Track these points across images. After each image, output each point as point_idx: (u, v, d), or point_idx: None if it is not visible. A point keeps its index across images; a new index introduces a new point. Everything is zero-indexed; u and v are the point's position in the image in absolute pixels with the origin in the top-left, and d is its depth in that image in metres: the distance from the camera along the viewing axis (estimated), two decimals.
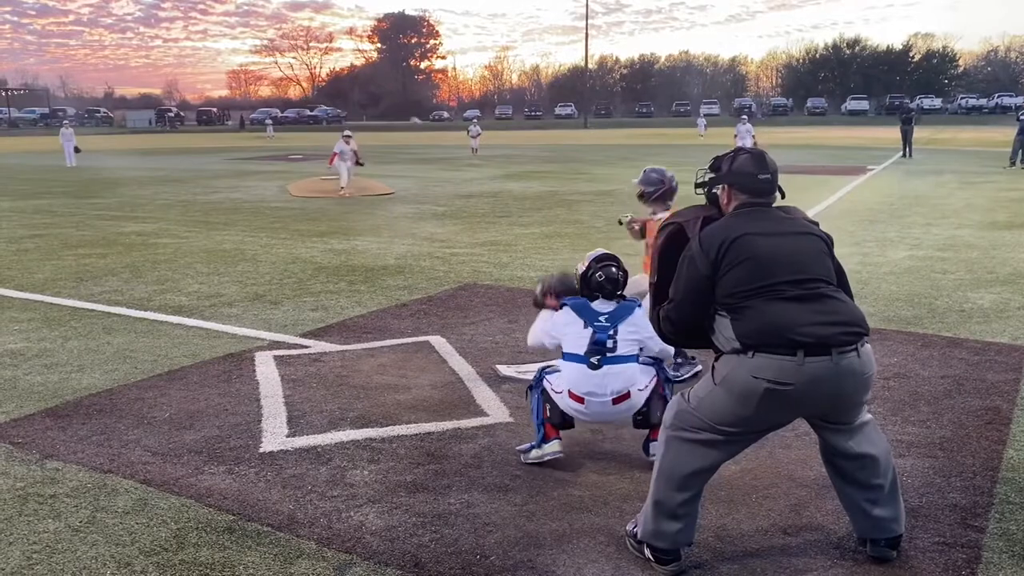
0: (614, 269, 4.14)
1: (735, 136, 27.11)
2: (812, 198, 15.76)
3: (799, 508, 3.62)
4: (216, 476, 3.97)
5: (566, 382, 4.02)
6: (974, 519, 3.48)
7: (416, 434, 4.49)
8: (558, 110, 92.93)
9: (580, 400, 3.97)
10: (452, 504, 3.68)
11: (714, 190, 3.20)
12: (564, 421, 4.11)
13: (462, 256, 10.15)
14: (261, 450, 4.29)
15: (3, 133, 71.67)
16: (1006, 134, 30.32)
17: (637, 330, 4.04)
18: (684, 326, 3.13)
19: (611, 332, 4.00)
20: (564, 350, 4.10)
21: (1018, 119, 24.58)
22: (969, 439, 4.36)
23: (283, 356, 5.91)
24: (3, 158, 35.37)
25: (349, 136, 18.84)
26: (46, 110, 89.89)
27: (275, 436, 4.47)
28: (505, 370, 5.53)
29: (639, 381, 4.05)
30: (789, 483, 3.85)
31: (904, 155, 28.10)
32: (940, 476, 3.91)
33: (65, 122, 35.14)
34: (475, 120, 45.66)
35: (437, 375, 5.50)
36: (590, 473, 4.00)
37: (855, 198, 16.48)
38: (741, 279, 2.91)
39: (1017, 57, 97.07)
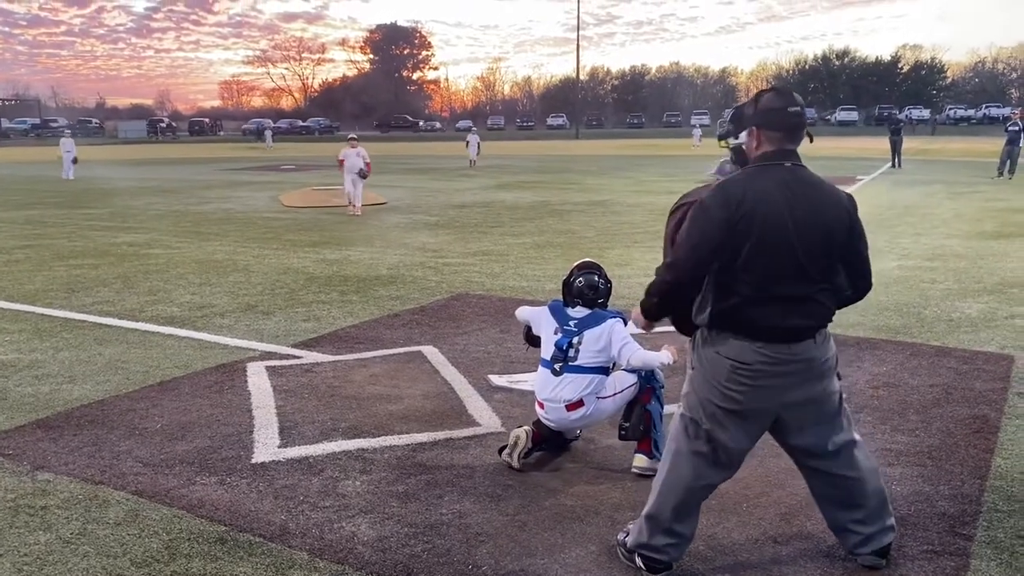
0: (595, 277, 4.24)
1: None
2: None
3: (789, 517, 3.64)
4: (208, 487, 3.97)
5: (536, 388, 4.22)
6: (962, 527, 3.51)
7: (408, 444, 4.50)
8: (550, 121, 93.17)
9: (542, 406, 4.16)
10: (444, 514, 3.69)
11: (738, 140, 3.05)
12: (549, 432, 4.20)
13: (454, 266, 10.17)
14: (253, 461, 4.29)
15: None
16: (994, 144, 30.56)
17: (605, 341, 4.07)
18: (678, 284, 2.93)
19: (574, 340, 4.10)
20: (541, 355, 4.22)
21: (1006, 130, 24.75)
22: (957, 448, 4.39)
23: (275, 367, 5.91)
24: None
25: (355, 140, 17.11)
26: (37, 120, 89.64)
27: (267, 447, 4.48)
28: (497, 380, 5.55)
29: (604, 389, 4.12)
30: (779, 492, 3.87)
31: (893, 165, 28.27)
32: (929, 484, 3.94)
33: (67, 132, 33.08)
34: (472, 129, 45.68)
35: (429, 385, 5.51)
36: (582, 483, 4.02)
37: None
38: (741, 257, 2.80)
39: (1004, 68, 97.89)
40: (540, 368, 4.21)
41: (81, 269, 10.13)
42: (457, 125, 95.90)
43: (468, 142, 34.61)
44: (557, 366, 4.11)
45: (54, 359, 6.18)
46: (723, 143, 3.25)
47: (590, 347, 4.08)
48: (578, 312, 4.18)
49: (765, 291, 2.83)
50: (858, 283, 3.02)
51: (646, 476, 3.90)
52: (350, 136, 17.57)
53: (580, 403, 4.07)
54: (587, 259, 4.41)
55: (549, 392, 4.11)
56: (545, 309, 4.31)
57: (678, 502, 3.08)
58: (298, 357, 6.18)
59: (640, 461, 4.13)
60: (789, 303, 2.84)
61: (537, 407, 4.20)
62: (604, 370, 4.13)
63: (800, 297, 2.85)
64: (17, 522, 3.63)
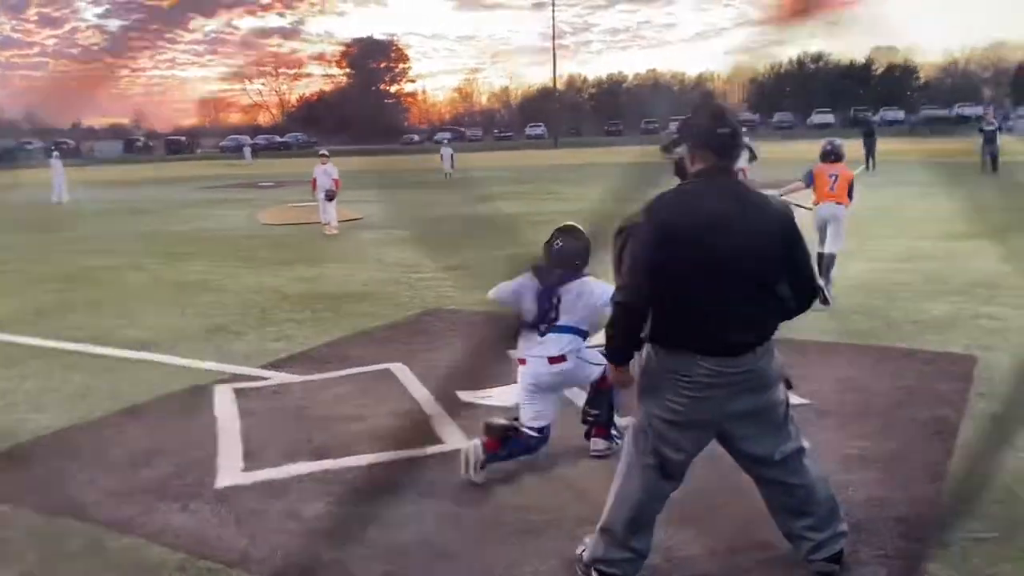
0: (575, 240, 4.38)
1: None
2: None
3: (748, 527, 3.65)
4: (170, 514, 3.96)
5: (519, 349, 4.38)
6: (917, 531, 3.55)
7: (372, 465, 4.51)
8: (528, 131, 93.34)
9: (523, 362, 4.30)
10: (407, 535, 3.69)
11: (678, 154, 3.11)
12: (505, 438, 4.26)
13: (428, 281, 10.18)
14: (216, 486, 4.28)
15: None
16: (968, 144, 30.91)
17: (576, 294, 4.28)
18: (631, 311, 2.95)
19: (554, 300, 4.28)
20: (524, 318, 4.41)
21: (980, 130, 25.13)
22: (916, 451, 4.45)
23: (243, 389, 5.90)
24: None
25: (326, 156, 16.56)
26: (12, 143, 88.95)
27: (231, 471, 4.47)
28: (465, 396, 5.56)
29: (587, 355, 4.32)
30: (739, 502, 3.88)
31: (867, 168, 28.53)
32: (886, 489, 3.98)
33: (55, 153, 30.34)
34: (445, 142, 45.58)
35: (397, 404, 5.51)
36: (544, 498, 4.03)
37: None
38: (678, 273, 2.85)
39: (976, 68, 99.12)
40: (524, 332, 4.37)
41: (51, 294, 10.07)
42: (435, 137, 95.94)
43: (442, 155, 34.66)
44: (542, 327, 4.29)
45: (20, 388, 6.14)
46: (664, 155, 3.30)
47: (568, 306, 4.27)
48: (556, 274, 4.33)
49: (703, 306, 2.88)
50: (801, 294, 3.06)
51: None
52: (321, 152, 17.12)
53: (563, 358, 4.24)
54: (568, 222, 4.53)
55: (533, 350, 4.28)
56: (524, 277, 4.44)
57: (631, 515, 3.10)
58: (266, 378, 6.17)
59: (598, 444, 4.40)
60: (727, 317, 2.88)
61: (519, 364, 4.35)
62: (583, 332, 4.33)
63: (738, 311, 2.89)
64: None
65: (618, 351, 3.11)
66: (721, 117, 2.99)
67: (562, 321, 4.28)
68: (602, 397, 4.38)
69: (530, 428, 4.27)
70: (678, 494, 3.86)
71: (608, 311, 3.94)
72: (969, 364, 5.97)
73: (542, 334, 4.29)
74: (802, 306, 3.10)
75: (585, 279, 4.32)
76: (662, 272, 2.86)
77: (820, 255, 8.14)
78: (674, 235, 2.85)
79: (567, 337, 4.28)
